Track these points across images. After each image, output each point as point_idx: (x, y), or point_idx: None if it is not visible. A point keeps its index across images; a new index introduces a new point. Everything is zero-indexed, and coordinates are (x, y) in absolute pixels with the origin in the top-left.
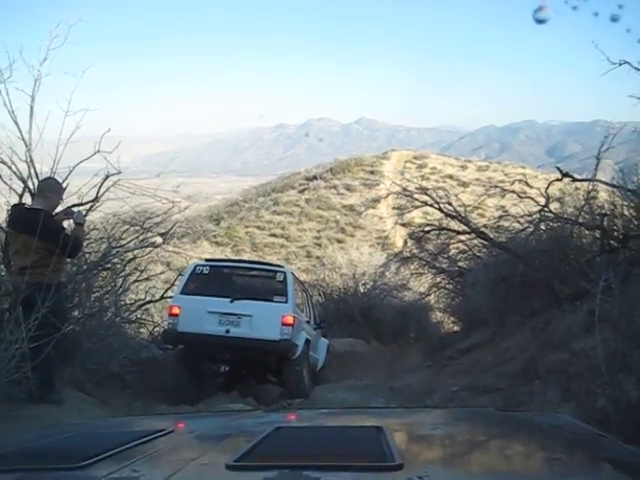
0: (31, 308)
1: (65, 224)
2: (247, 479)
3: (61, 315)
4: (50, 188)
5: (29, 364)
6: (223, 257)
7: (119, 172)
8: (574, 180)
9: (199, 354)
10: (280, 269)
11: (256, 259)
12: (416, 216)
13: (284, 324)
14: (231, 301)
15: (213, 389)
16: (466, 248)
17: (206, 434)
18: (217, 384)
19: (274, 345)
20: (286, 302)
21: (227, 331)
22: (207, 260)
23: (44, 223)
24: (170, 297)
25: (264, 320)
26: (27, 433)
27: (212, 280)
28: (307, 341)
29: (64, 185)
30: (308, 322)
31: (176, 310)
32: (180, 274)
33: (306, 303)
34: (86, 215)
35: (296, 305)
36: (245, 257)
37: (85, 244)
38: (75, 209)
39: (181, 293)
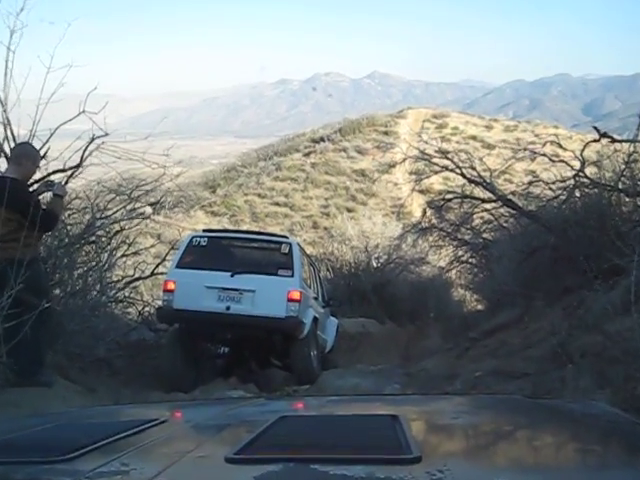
0: (3, 286)
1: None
2: (248, 473)
3: (40, 293)
4: (25, 154)
5: (2, 347)
6: (222, 228)
7: (106, 134)
8: (613, 141)
9: (197, 333)
10: (285, 240)
11: (257, 230)
12: (435, 182)
13: (290, 300)
14: (231, 275)
15: (210, 374)
16: (491, 218)
17: (203, 424)
18: (215, 368)
19: (279, 323)
20: (292, 276)
21: (227, 308)
22: (205, 231)
23: (11, 192)
24: (161, 273)
25: (268, 295)
26: (4, 423)
27: (210, 252)
28: (315, 319)
29: (44, 149)
30: (316, 299)
31: (171, 285)
32: (173, 247)
33: (313, 278)
34: (66, 183)
35: (303, 280)
36: (244, 227)
37: (67, 214)
38: (56, 180)
39: (176, 267)
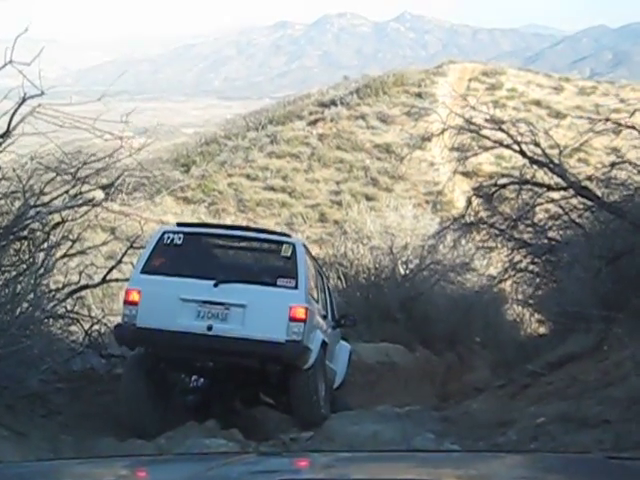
0: None
1: None
2: None
3: None
4: None
5: None
6: (200, 221)
7: (41, 93)
8: None
9: (167, 361)
10: (287, 239)
11: (247, 225)
12: (485, 162)
13: (293, 319)
14: (215, 285)
15: (179, 414)
16: (560, 211)
17: None
18: (185, 406)
19: (278, 349)
20: (296, 287)
21: (209, 328)
22: (180, 225)
23: None
24: (116, 280)
25: (264, 312)
26: None
27: (187, 254)
28: (324, 344)
29: None
30: (325, 317)
31: (134, 296)
32: (132, 245)
33: (321, 290)
34: None
35: (309, 292)
36: (229, 221)
37: None
38: None
39: (142, 272)
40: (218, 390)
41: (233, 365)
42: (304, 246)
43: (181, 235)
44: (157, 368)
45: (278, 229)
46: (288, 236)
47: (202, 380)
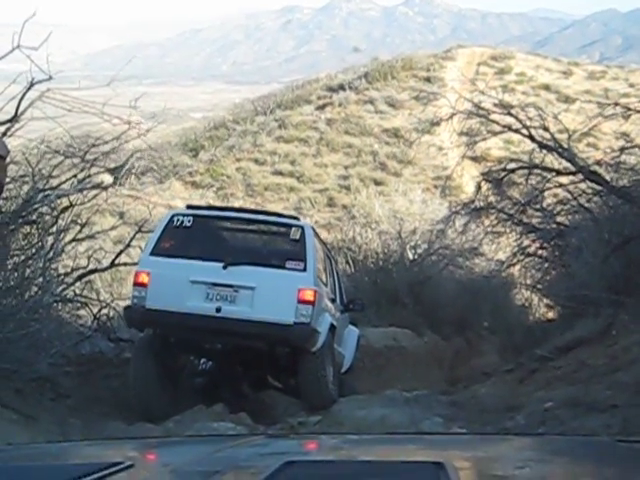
0: None
1: None
2: None
3: None
4: None
5: None
6: (210, 204)
7: (49, 78)
8: None
9: (176, 343)
10: (295, 222)
11: (256, 208)
12: (494, 147)
13: (302, 301)
14: (224, 267)
15: (187, 399)
16: (569, 196)
17: (183, 470)
18: (193, 390)
19: (286, 331)
20: (304, 270)
21: (218, 310)
22: (189, 207)
23: None
24: (124, 264)
25: (272, 295)
26: None
27: (197, 236)
28: (332, 327)
29: None
30: (333, 300)
31: (144, 278)
32: (140, 229)
33: (330, 273)
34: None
35: (318, 275)
36: (237, 204)
37: None
38: None
39: (151, 254)
40: (226, 373)
41: (241, 347)
42: (313, 229)
43: (190, 218)
44: (166, 350)
45: (289, 213)
46: (297, 219)
47: (210, 363)
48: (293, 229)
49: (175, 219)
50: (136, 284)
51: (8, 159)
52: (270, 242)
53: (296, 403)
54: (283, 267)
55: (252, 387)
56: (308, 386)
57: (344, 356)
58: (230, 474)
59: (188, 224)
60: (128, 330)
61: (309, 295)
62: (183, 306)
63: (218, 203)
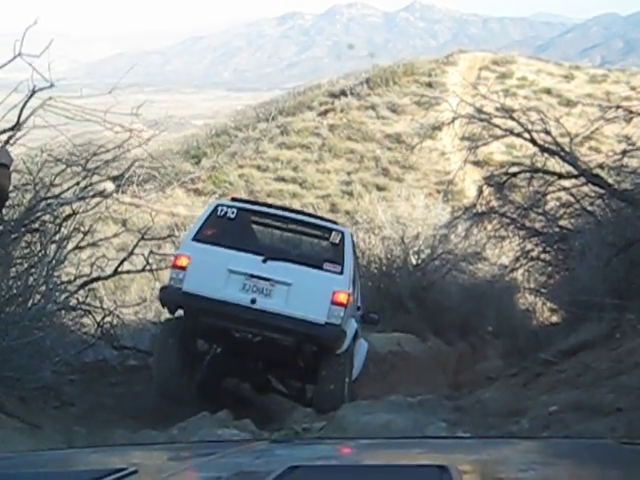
0: None
1: None
2: None
3: None
4: None
5: None
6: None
7: (51, 85)
8: None
9: (206, 329)
10: (337, 227)
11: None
12: (496, 151)
13: (335, 303)
14: (264, 260)
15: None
16: (571, 200)
17: (186, 476)
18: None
19: (318, 330)
20: (341, 273)
21: (253, 301)
22: (234, 200)
23: None
24: (127, 272)
25: (308, 293)
26: None
27: (239, 228)
28: (356, 334)
29: None
30: (358, 309)
31: (184, 261)
32: (143, 237)
33: (357, 283)
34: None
35: (352, 281)
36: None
37: None
38: None
39: (193, 239)
40: (246, 365)
41: (269, 341)
42: (352, 236)
43: (235, 209)
44: (191, 336)
45: (331, 218)
46: (337, 224)
47: (217, 349)
48: (334, 233)
49: (219, 209)
50: (175, 266)
51: (12, 167)
52: (310, 243)
53: (300, 409)
54: (321, 268)
55: (256, 390)
56: (326, 387)
57: (354, 366)
58: (234, 479)
59: (232, 215)
60: (132, 338)
61: (343, 298)
62: (219, 293)
63: None
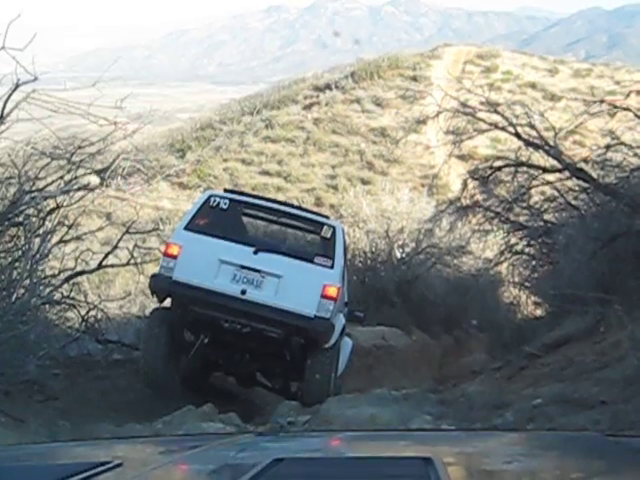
0: None
1: None
2: None
3: None
4: None
5: None
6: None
7: (35, 79)
8: None
9: (194, 319)
10: (328, 221)
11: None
12: (481, 145)
13: (325, 296)
14: (255, 252)
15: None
16: (555, 194)
17: (171, 469)
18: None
19: (307, 322)
20: (331, 267)
21: (243, 292)
22: (227, 191)
23: None
24: (111, 266)
25: (298, 286)
26: None
27: (231, 219)
28: (343, 329)
29: None
30: (346, 305)
31: (174, 249)
32: (127, 231)
33: (345, 278)
34: None
35: (342, 276)
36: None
37: None
38: None
39: (185, 228)
40: (232, 356)
41: (257, 332)
42: (343, 231)
43: (227, 200)
44: (178, 326)
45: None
46: (329, 219)
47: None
48: (325, 227)
49: (212, 199)
50: (166, 255)
51: (4, 160)
52: (302, 236)
53: (285, 403)
54: (312, 261)
55: (241, 383)
56: (313, 380)
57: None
58: (219, 471)
59: (224, 206)
60: (116, 332)
61: (333, 292)
62: (209, 283)
63: None
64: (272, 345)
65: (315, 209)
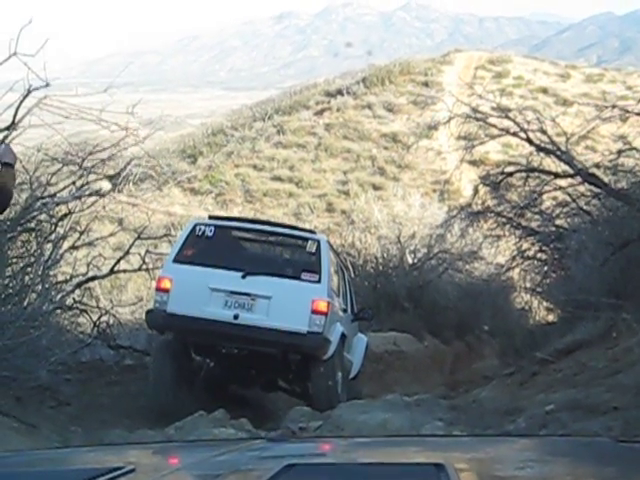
0: None
1: None
2: None
3: None
4: None
5: None
6: (229, 215)
7: (47, 85)
8: None
9: (194, 346)
10: (312, 236)
11: (275, 220)
12: (492, 151)
13: (315, 312)
14: (243, 276)
15: (202, 399)
16: (567, 199)
17: (183, 474)
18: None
19: (300, 339)
20: (318, 282)
21: (235, 317)
22: (211, 218)
23: None
24: (123, 271)
25: (288, 304)
26: None
27: (218, 246)
28: (343, 337)
29: None
30: (345, 311)
31: (166, 284)
32: (139, 236)
33: (342, 284)
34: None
35: (331, 287)
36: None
37: None
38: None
39: (174, 261)
40: (239, 376)
41: (256, 352)
42: (328, 243)
43: (212, 227)
44: (184, 353)
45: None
46: (313, 233)
47: (211, 363)
48: (309, 242)
49: (197, 228)
50: (159, 289)
51: (16, 166)
52: (287, 254)
53: (297, 409)
54: (299, 278)
55: (264, 389)
56: (318, 392)
57: (353, 363)
58: (231, 477)
59: (210, 234)
60: (128, 337)
61: (322, 306)
62: (203, 312)
63: (217, 209)
64: (272, 362)
65: (327, 215)
